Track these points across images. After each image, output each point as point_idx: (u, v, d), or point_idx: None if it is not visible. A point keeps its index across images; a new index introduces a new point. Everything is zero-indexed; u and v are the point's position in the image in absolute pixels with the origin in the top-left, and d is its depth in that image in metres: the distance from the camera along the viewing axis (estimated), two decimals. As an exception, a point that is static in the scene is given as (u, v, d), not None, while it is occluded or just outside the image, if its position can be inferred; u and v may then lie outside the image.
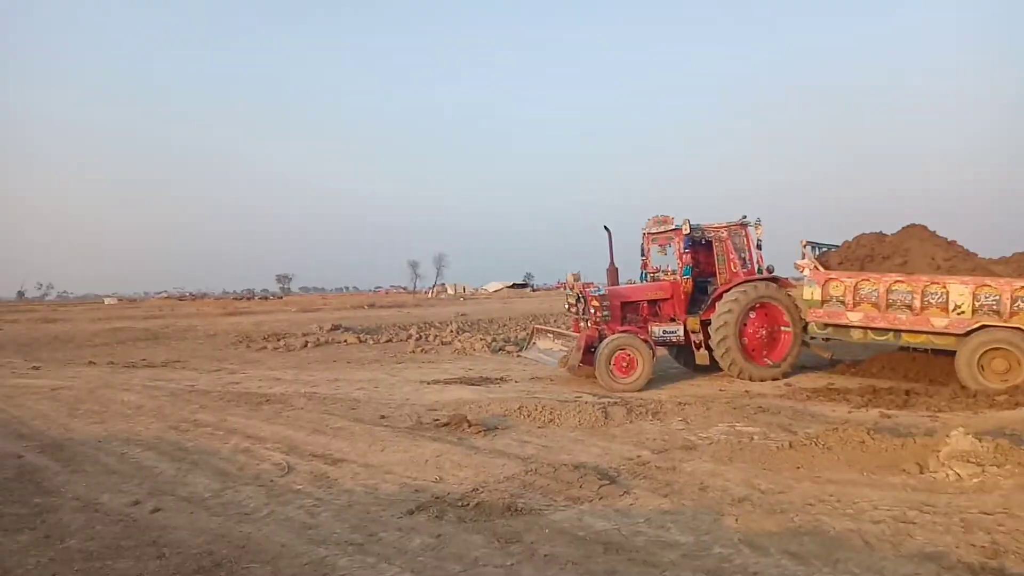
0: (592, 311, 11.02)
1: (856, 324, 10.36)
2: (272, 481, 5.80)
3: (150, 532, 4.61)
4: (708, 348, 11.28)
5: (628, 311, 11.49)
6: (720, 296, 11.28)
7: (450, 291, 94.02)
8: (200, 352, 18.59)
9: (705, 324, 11.36)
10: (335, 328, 23.20)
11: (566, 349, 11.05)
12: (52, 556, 4.20)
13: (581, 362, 10.55)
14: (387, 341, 20.03)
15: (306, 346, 19.00)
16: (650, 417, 8.07)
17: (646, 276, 12.66)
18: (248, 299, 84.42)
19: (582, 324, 11.60)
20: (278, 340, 20.42)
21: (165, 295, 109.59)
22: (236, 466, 6.32)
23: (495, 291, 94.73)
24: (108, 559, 4.15)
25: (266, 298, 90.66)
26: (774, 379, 10.98)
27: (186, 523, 4.79)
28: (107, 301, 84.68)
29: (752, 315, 11.25)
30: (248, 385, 11.61)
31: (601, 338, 10.61)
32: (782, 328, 11.38)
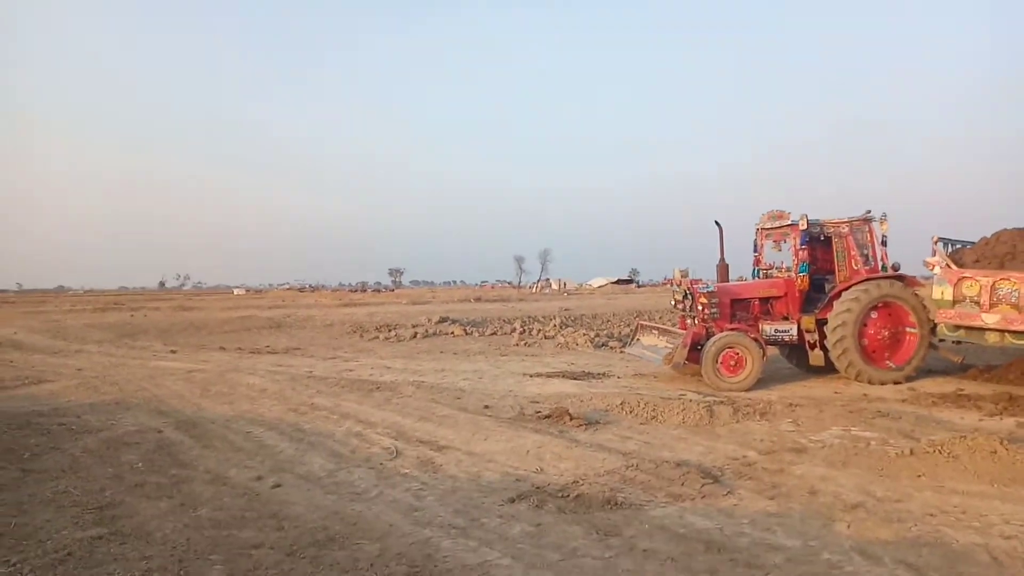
0: (700, 308, 10.76)
1: (992, 327, 9.54)
2: (381, 464, 6.08)
3: (271, 506, 4.97)
4: (823, 349, 10.75)
5: (738, 308, 11.14)
6: (839, 294, 10.72)
7: (554, 286, 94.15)
8: (317, 340, 19.65)
9: (821, 323, 10.83)
10: (443, 320, 23.83)
11: (671, 346, 10.87)
12: (186, 523, 4.61)
13: (687, 360, 10.34)
14: (492, 334, 20.38)
15: (415, 337, 19.65)
16: (758, 417, 7.82)
17: (758, 273, 12.21)
18: (362, 291, 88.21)
19: (689, 321, 11.35)
20: (389, 331, 21.25)
21: (287, 286, 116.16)
22: (349, 448, 6.67)
23: (599, 287, 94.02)
24: (234, 528, 4.50)
25: (379, 291, 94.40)
26: (896, 383, 10.32)
27: (303, 499, 5.13)
28: (236, 292, 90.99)
29: (874, 315, 10.61)
30: (361, 373, 12.18)
31: (708, 336, 10.36)
32: (907, 329, 10.67)
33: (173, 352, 16.65)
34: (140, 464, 6.09)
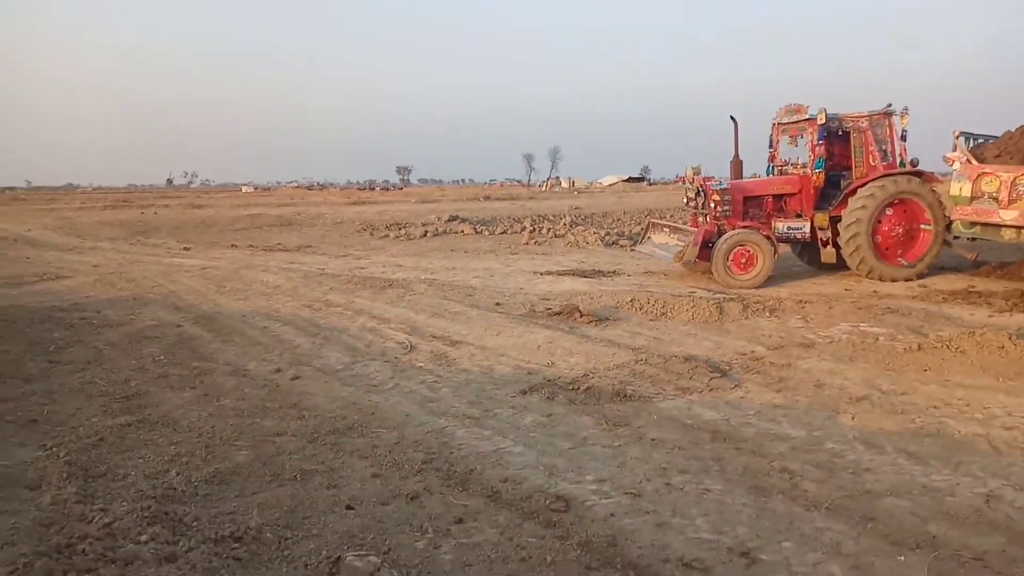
0: (712, 205, 10.61)
1: (1010, 223, 9.40)
2: (396, 358, 6.22)
3: (291, 396, 5.13)
4: (836, 246, 10.67)
5: (751, 206, 10.98)
6: (854, 191, 10.51)
7: (564, 184, 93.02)
8: (328, 238, 19.70)
9: (835, 221, 10.69)
10: (452, 219, 23.74)
11: (682, 244, 10.80)
12: (210, 412, 4.77)
13: (698, 257, 10.29)
14: (502, 233, 20.33)
15: (425, 235, 19.65)
16: (767, 314, 7.87)
17: (773, 169, 11.95)
18: (370, 189, 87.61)
19: (700, 219, 11.23)
20: (399, 229, 21.23)
21: (295, 184, 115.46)
22: (364, 343, 6.81)
23: (610, 185, 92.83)
24: (256, 417, 4.67)
25: (387, 189, 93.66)
26: (907, 280, 10.29)
27: (321, 390, 5.28)
28: (244, 189, 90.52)
29: (889, 212, 10.44)
30: (372, 270, 12.27)
31: (720, 233, 10.27)
32: (922, 226, 10.52)
33: (186, 249, 16.77)
34: (162, 356, 6.26)
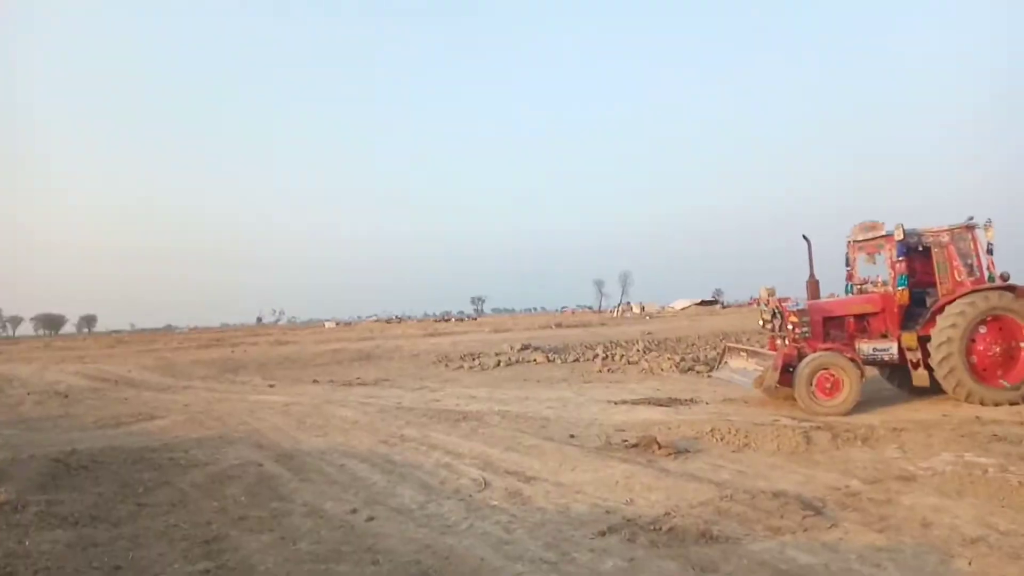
0: (790, 327, 10.34)
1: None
2: (470, 496, 6.09)
3: (366, 539, 5.05)
4: (928, 368, 10.08)
5: (831, 327, 10.63)
6: (942, 308, 10.05)
7: (635, 309, 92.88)
8: (405, 371, 20.04)
9: (924, 341, 10.17)
10: (525, 348, 23.88)
11: (761, 368, 10.45)
12: (287, 556, 4.74)
13: (779, 383, 9.90)
14: (574, 360, 20.23)
15: (498, 365, 19.74)
16: (859, 443, 7.39)
17: (852, 288, 11.64)
18: (446, 321, 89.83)
19: (778, 342, 10.92)
20: (473, 359, 21.45)
21: (375, 318, 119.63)
22: (438, 480, 6.72)
23: (682, 309, 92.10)
24: (332, 562, 4.59)
25: (462, 319, 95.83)
26: (1012, 403, 9.53)
27: (396, 532, 5.18)
28: (327, 325, 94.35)
29: (982, 330, 9.88)
30: (447, 403, 12.31)
31: (800, 356, 9.91)
32: (1021, 344, 9.87)
33: (271, 386, 17.34)
34: (243, 498, 6.33)
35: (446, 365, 20.86)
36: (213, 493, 6.51)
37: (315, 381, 18.14)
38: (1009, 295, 9.94)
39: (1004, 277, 10.18)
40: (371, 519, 5.53)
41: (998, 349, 9.83)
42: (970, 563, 4.00)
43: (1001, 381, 9.76)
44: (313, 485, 6.77)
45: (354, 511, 5.78)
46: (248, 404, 13.34)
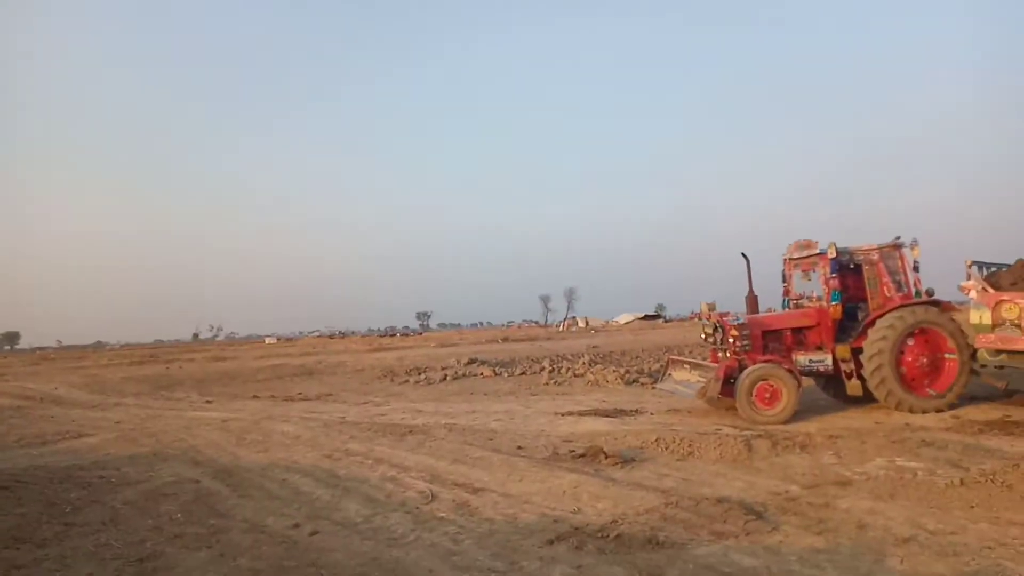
0: (731, 341, 10.61)
1: (1035, 350, 9.26)
2: (417, 508, 6.01)
3: (309, 554, 4.92)
4: (860, 378, 10.50)
5: (770, 340, 10.96)
6: (873, 322, 10.50)
7: (581, 324, 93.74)
8: (349, 386, 19.69)
9: (856, 352, 10.59)
10: (471, 362, 23.77)
11: (703, 380, 10.69)
12: (226, 573, 4.58)
13: (720, 393, 10.15)
14: (521, 374, 20.26)
15: (445, 379, 19.60)
16: (798, 450, 7.62)
17: (788, 303, 12.04)
18: (391, 336, 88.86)
19: (720, 354, 11.19)
20: (419, 374, 21.23)
21: (317, 334, 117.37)
22: (384, 493, 6.62)
23: (626, 323, 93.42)
24: (274, 577, 4.46)
25: (407, 334, 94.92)
26: (938, 411, 10.01)
27: (341, 546, 5.07)
28: (267, 340, 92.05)
29: (910, 342, 10.36)
30: (392, 417, 12.14)
31: (741, 368, 10.18)
32: (946, 355, 10.38)
33: (209, 402, 16.78)
34: (179, 515, 6.10)
35: (391, 380, 20.60)
36: (147, 511, 6.25)
37: (255, 397, 17.64)
38: (934, 309, 10.48)
39: (929, 293, 10.74)
40: (315, 533, 5.40)
41: (925, 360, 10.32)
42: (902, 561, 4.16)
43: (928, 390, 10.24)
44: (253, 501, 6.57)
45: (297, 526, 5.64)
46: (184, 421, 12.87)
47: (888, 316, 10.37)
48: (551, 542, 4.88)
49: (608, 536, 4.90)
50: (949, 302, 10.84)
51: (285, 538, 5.34)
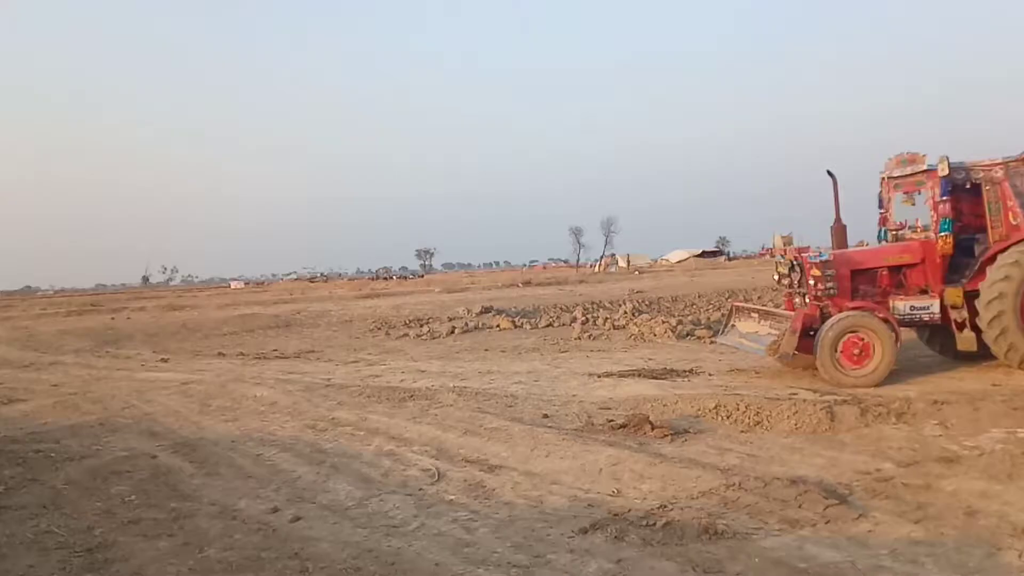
0: (811, 282, 10.53)
1: None
2: (421, 490, 6.15)
3: (291, 543, 5.07)
4: (975, 329, 10.41)
5: (861, 282, 10.86)
6: (993, 258, 10.33)
7: (622, 263, 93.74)
8: (335, 341, 19.98)
9: (971, 297, 10.47)
10: (485, 311, 23.97)
11: (776, 332, 10.67)
12: (192, 566, 4.74)
13: (797, 349, 10.13)
14: (547, 326, 20.40)
15: (453, 332, 19.80)
16: (893, 420, 7.65)
17: (886, 234, 11.88)
18: (385, 279, 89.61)
19: (797, 300, 11.13)
20: (421, 326, 21.47)
21: (295, 276, 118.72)
22: (380, 471, 6.77)
23: (679, 262, 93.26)
24: (249, 571, 4.61)
25: (405, 277, 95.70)
26: (1074, 371, 9.94)
27: (329, 534, 5.22)
28: (233, 285, 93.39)
29: (1042, 284, 10.22)
30: (389, 378, 12.34)
31: (824, 317, 10.13)
32: (1087, 301, 10.24)
33: (164, 361, 17.14)
34: (133, 496, 6.30)
35: (387, 333, 20.86)
36: (95, 492, 6.47)
37: (220, 354, 17.99)
38: (1074, 241, 10.26)
39: (1069, 219, 10.49)
40: (297, 519, 5.55)
41: (1060, 307, 10.18)
42: (1021, 556, 4.20)
43: (1062, 344, 10.13)
44: (222, 480, 6.76)
45: (275, 510, 5.80)
46: (135, 383, 13.18)
47: (1012, 250, 10.18)
48: (584, 531, 4.98)
49: (655, 524, 4.98)
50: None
51: (261, 524, 5.49)
